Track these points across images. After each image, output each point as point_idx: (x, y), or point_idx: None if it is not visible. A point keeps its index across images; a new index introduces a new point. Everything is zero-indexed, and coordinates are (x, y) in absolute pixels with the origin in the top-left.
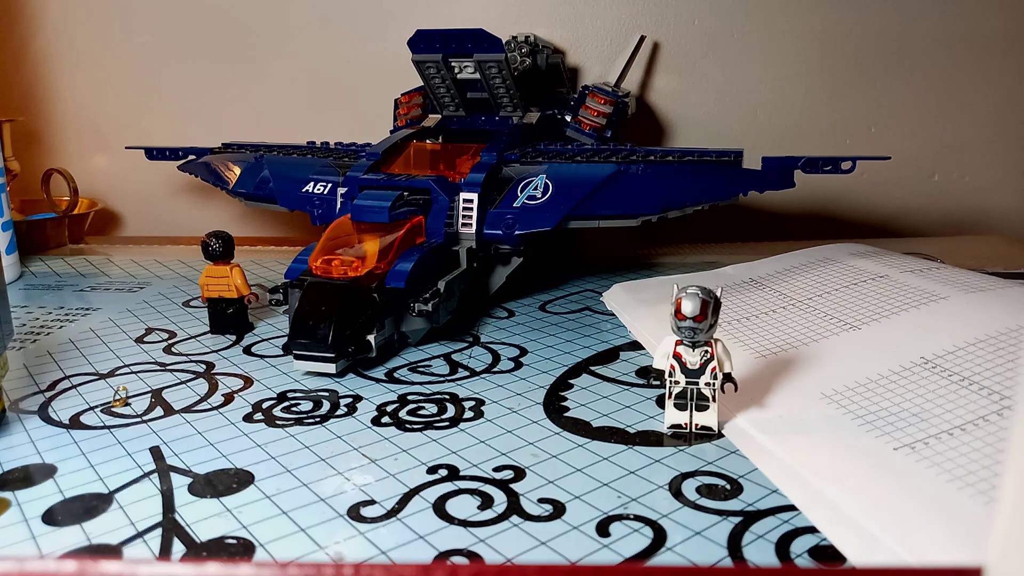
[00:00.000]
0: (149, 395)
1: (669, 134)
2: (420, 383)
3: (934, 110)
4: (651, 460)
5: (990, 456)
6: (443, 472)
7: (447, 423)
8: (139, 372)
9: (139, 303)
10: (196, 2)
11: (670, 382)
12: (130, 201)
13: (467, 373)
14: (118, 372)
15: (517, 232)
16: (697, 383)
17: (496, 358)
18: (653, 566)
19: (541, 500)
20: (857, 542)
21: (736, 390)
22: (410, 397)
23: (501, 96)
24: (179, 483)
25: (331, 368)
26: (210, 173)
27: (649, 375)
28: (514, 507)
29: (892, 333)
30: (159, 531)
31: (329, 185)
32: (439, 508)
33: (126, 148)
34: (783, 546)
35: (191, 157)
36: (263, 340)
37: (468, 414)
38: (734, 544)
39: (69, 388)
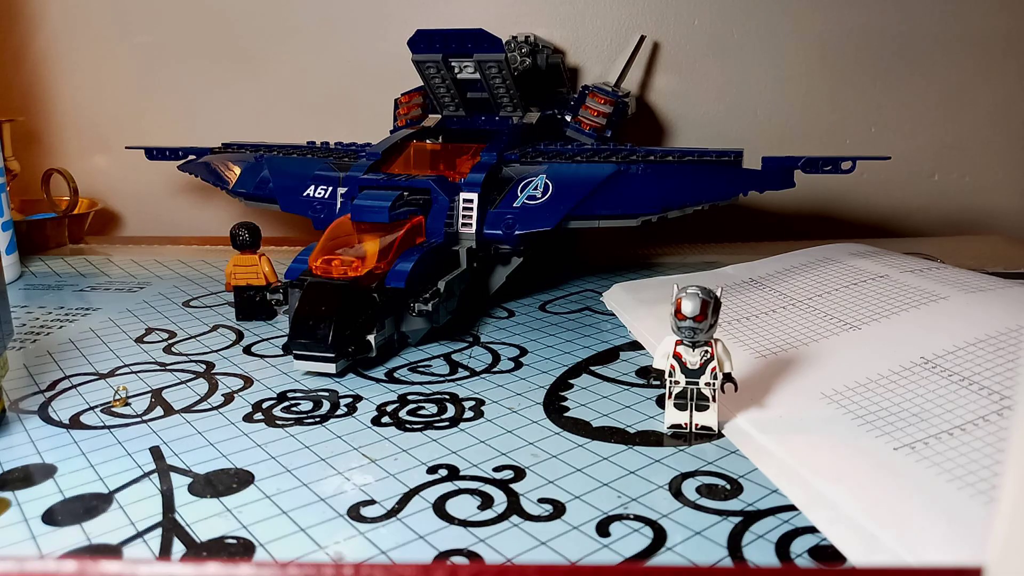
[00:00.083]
0: (149, 395)
1: (669, 134)
2: (420, 383)
3: (934, 110)
4: (651, 460)
5: (990, 456)
6: (443, 472)
7: (447, 423)
8: (139, 372)
9: (139, 303)
10: (196, 2)
11: (670, 382)
12: (130, 201)
13: (467, 373)
14: (118, 372)
15: (517, 232)
16: (697, 383)
17: (496, 358)
18: (653, 566)
19: (541, 500)
20: (857, 542)
21: (736, 390)
22: (410, 397)
23: (501, 96)
24: (179, 483)
25: (331, 368)
26: (210, 173)
27: (649, 375)
28: (514, 507)
29: (892, 333)
30: (159, 531)
31: (330, 189)
32: (439, 508)
33: (126, 148)
34: (783, 546)
35: (191, 157)
36: (263, 340)
37: (468, 414)
38: (734, 544)
39: (69, 388)
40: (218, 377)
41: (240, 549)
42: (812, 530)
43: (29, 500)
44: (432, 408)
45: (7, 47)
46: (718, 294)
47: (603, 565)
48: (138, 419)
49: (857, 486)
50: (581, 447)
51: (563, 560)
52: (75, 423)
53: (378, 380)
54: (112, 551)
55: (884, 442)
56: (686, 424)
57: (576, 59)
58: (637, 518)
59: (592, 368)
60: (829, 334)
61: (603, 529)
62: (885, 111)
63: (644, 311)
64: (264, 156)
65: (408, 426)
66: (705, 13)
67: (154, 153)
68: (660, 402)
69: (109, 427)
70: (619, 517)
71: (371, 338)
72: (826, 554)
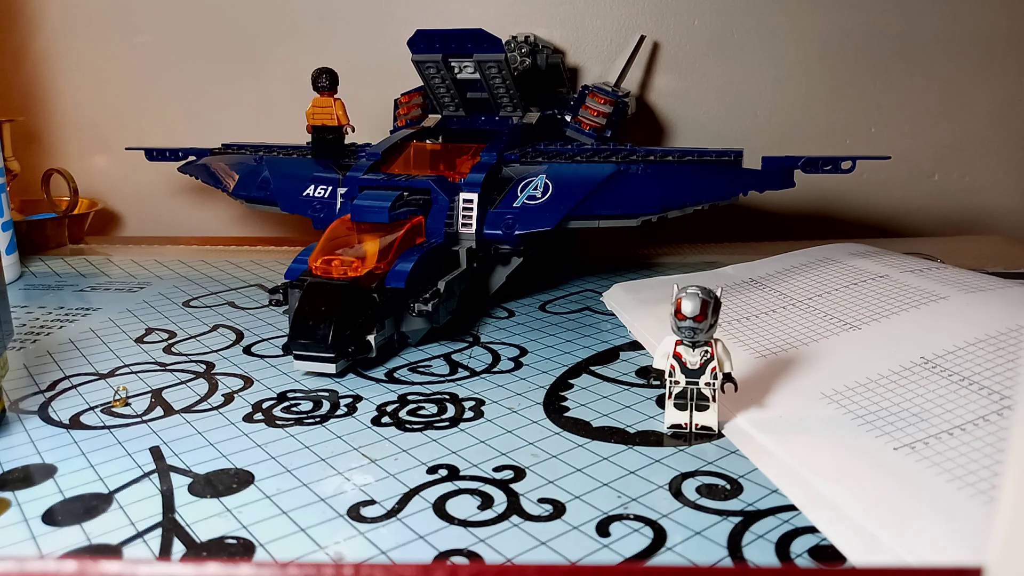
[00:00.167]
0: (149, 395)
1: (669, 134)
2: (420, 383)
3: (934, 110)
4: (651, 460)
5: (990, 456)
6: (443, 472)
7: (447, 423)
8: (139, 372)
9: (139, 303)
10: (196, 2)
11: (670, 382)
12: (130, 201)
13: (467, 373)
14: (118, 372)
15: (517, 232)
16: (697, 383)
17: (496, 358)
18: (653, 566)
19: (541, 500)
20: (857, 542)
21: (736, 390)
22: (410, 397)
23: (501, 96)
24: (179, 483)
25: (331, 368)
26: (210, 176)
27: (649, 375)
28: (514, 507)
29: (892, 333)
30: (159, 531)
31: (329, 189)
32: (439, 508)
33: (126, 149)
34: (783, 546)
35: (191, 158)
36: (263, 340)
37: (468, 414)
38: (734, 544)
39: (69, 388)
40: (218, 377)
41: (240, 549)
42: (812, 530)
43: (29, 500)
44: (432, 408)
45: (7, 47)
46: (718, 294)
47: (603, 565)
48: (138, 419)
49: (857, 486)
50: (581, 447)
51: (563, 560)
52: (75, 423)
53: (378, 380)
54: (112, 551)
55: (884, 442)
56: (686, 424)
57: (576, 59)
58: (637, 518)
59: (592, 368)
60: (829, 334)
61: (603, 529)
62: (885, 111)
63: (644, 311)
64: (264, 157)
65: (408, 426)
66: (705, 13)
67: (154, 154)
68: (660, 402)
69: (109, 427)
70: (619, 517)
71: (371, 338)
72: (826, 554)
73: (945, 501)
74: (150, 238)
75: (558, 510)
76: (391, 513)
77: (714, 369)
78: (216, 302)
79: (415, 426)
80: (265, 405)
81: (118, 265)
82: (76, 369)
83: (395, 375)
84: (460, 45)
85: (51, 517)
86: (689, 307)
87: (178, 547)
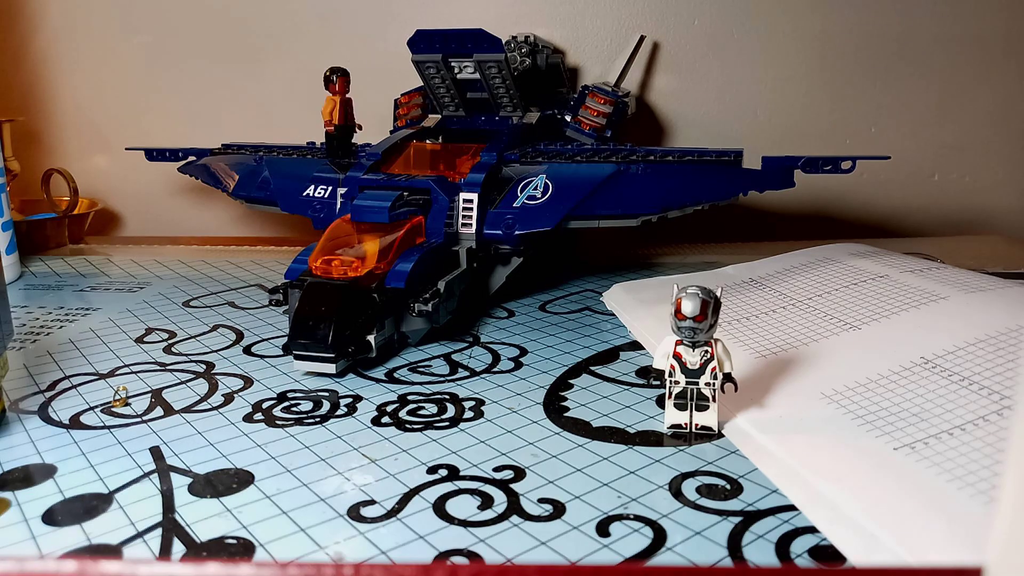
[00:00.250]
0: (149, 395)
1: (669, 134)
2: (420, 383)
3: (934, 110)
4: (651, 460)
5: (990, 456)
6: (443, 472)
7: (447, 423)
8: (139, 372)
9: (139, 303)
10: (196, 2)
11: (670, 382)
12: (130, 201)
13: (467, 373)
14: (118, 372)
15: (517, 232)
16: (697, 383)
17: (496, 358)
18: (653, 566)
19: (541, 500)
20: (857, 542)
21: (736, 390)
22: (410, 397)
23: (501, 96)
24: (179, 483)
25: (331, 368)
26: (210, 176)
27: (649, 375)
28: (514, 507)
29: (892, 333)
30: (159, 531)
31: (330, 189)
32: (439, 508)
33: (126, 149)
34: (783, 546)
35: (191, 158)
36: (263, 340)
37: (468, 414)
38: (734, 544)
39: (69, 388)
40: (218, 377)
41: (240, 549)
42: (812, 530)
43: (29, 500)
44: (432, 408)
45: (7, 47)
46: (718, 294)
47: (603, 565)
48: (138, 419)
49: (857, 486)
50: (581, 447)
51: (563, 560)
52: (75, 423)
53: (378, 380)
54: (112, 551)
55: (884, 442)
56: (686, 424)
57: (576, 59)
58: (637, 518)
59: (592, 368)
60: (829, 334)
61: (603, 529)
62: (885, 111)
63: (644, 311)
64: (264, 157)
65: (408, 426)
66: (705, 13)
67: (154, 154)
68: (660, 402)
69: (109, 427)
70: (619, 517)
71: (371, 338)
72: (826, 554)
73: (945, 501)
74: (150, 238)
75: (558, 510)
76: (391, 513)
77: (714, 369)
78: (216, 302)
79: (415, 426)
80: (265, 405)
81: (118, 265)
82: (76, 369)
83: (395, 375)
84: (460, 45)
85: (51, 517)
86: (689, 307)
87: (178, 547)
